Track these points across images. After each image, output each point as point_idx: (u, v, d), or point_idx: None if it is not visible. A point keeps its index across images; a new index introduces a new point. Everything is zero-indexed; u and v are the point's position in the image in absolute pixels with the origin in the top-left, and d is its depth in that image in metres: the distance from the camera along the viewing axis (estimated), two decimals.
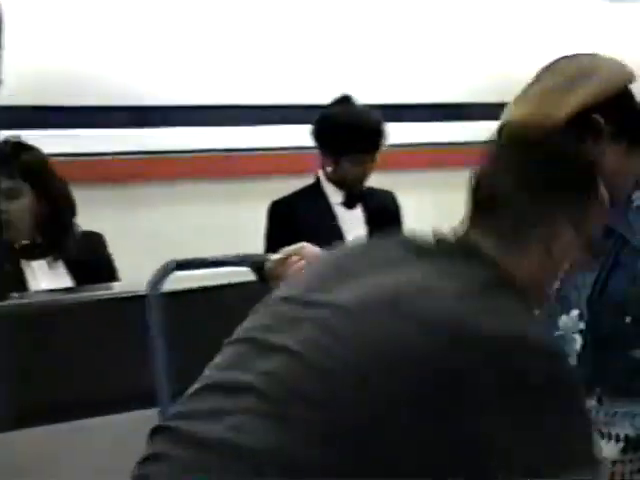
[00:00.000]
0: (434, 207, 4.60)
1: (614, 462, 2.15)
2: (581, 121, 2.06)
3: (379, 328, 1.48)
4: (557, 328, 2.21)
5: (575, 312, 2.18)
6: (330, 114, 3.68)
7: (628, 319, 2.12)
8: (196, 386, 1.55)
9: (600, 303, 2.17)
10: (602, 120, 2.08)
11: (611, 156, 2.12)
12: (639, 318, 2.12)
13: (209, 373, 1.57)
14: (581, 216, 1.67)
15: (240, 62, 4.73)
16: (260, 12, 4.76)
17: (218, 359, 1.62)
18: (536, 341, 1.53)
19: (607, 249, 2.19)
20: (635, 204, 2.18)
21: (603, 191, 1.72)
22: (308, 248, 2.26)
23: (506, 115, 2.16)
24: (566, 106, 2.08)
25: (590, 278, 2.19)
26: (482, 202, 1.65)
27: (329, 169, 3.63)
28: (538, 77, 2.16)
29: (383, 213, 3.69)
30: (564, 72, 2.13)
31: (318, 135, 3.65)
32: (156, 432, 1.54)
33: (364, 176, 3.62)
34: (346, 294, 1.52)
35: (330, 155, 3.60)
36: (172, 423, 1.53)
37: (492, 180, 1.66)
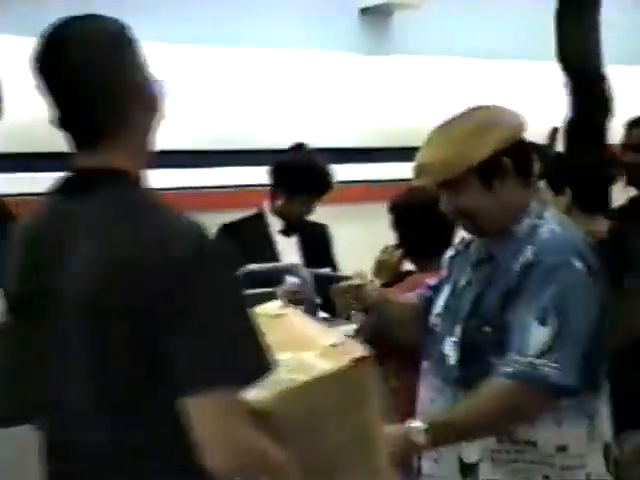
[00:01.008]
0: (362, 235, 4.97)
1: (492, 451, 2.38)
2: (492, 163, 2.33)
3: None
4: (451, 334, 2.44)
5: (461, 325, 2.42)
6: (289, 159, 3.97)
7: (488, 329, 2.35)
8: None
9: (474, 316, 2.40)
10: (509, 161, 2.36)
11: (511, 191, 2.38)
12: (496, 328, 2.34)
13: None
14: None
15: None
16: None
17: None
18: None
19: (487, 273, 2.42)
20: (515, 235, 2.40)
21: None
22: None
23: (423, 157, 2.39)
24: (480, 151, 2.32)
25: (472, 295, 2.44)
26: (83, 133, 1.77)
27: (279, 203, 3.95)
28: (450, 125, 2.39)
29: (316, 242, 4.05)
30: (472, 122, 2.36)
31: (276, 175, 3.95)
32: None
33: (309, 214, 4.00)
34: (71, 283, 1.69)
35: (284, 194, 3.93)
36: None
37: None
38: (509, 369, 2.29)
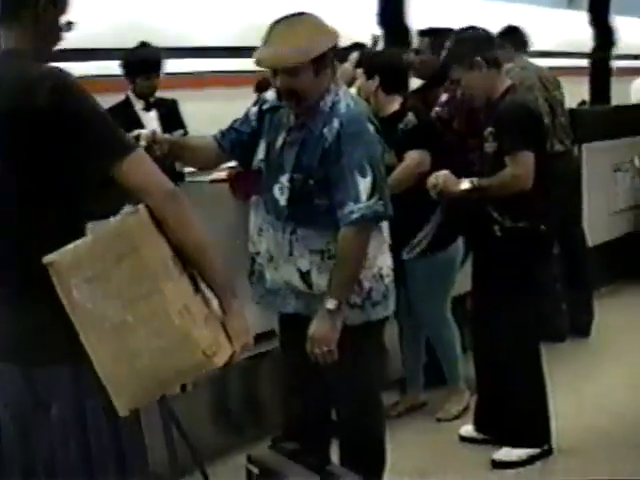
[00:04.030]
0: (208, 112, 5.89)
1: (317, 264, 3.09)
2: (323, 57, 3.00)
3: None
4: (277, 182, 3.11)
5: (287, 176, 3.10)
6: (129, 53, 5.29)
7: (312, 182, 3.06)
8: None
9: (298, 170, 3.07)
10: (331, 56, 3.06)
11: (325, 77, 3.05)
12: (318, 180, 3.04)
13: None
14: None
15: None
16: None
17: None
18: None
19: (300, 137, 3.06)
20: (320, 109, 3.08)
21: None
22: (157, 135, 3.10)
23: (274, 47, 2.96)
24: (320, 47, 2.98)
25: (293, 153, 3.08)
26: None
27: (132, 86, 5.23)
28: (288, 24, 2.98)
29: (168, 113, 5.30)
30: (310, 23, 3.01)
31: (124, 67, 5.26)
32: None
33: (153, 88, 5.29)
34: None
35: (132, 77, 5.26)
36: None
37: None
38: (354, 216, 2.98)
